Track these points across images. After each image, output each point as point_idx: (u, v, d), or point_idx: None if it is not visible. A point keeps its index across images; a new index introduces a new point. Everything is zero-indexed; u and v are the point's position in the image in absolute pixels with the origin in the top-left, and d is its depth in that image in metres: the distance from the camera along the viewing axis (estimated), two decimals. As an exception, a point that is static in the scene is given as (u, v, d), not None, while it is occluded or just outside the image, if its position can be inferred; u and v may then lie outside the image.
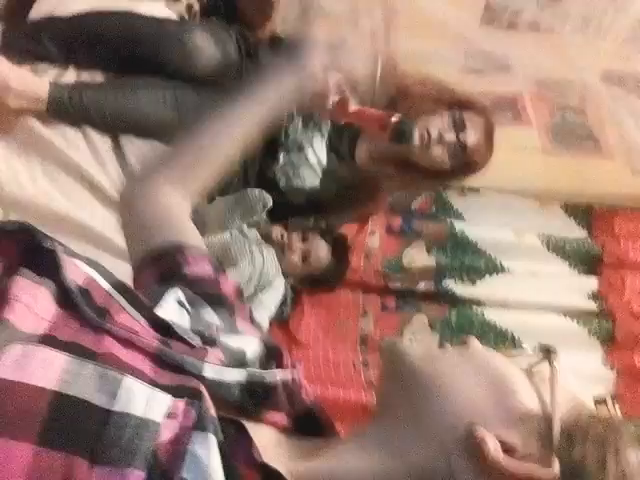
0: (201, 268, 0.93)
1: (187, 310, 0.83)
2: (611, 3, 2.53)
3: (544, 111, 2.95)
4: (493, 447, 0.68)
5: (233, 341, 0.81)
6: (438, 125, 2.23)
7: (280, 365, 0.82)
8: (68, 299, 0.69)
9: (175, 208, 1.03)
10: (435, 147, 2.23)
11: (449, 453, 0.70)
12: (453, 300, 2.58)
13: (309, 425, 0.82)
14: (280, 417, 0.79)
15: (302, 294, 2.51)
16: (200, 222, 2.03)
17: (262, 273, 2.19)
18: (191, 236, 1.01)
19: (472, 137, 2.26)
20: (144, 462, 0.59)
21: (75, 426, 0.58)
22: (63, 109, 1.89)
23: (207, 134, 1.07)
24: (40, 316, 0.65)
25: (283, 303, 2.35)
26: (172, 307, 0.81)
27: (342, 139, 2.31)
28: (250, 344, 0.83)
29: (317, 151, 2.26)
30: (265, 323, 2.22)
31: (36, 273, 0.69)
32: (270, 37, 2.47)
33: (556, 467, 0.67)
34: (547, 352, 0.79)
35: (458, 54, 2.78)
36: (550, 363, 0.77)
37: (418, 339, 2.50)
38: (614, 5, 2.53)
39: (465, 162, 2.29)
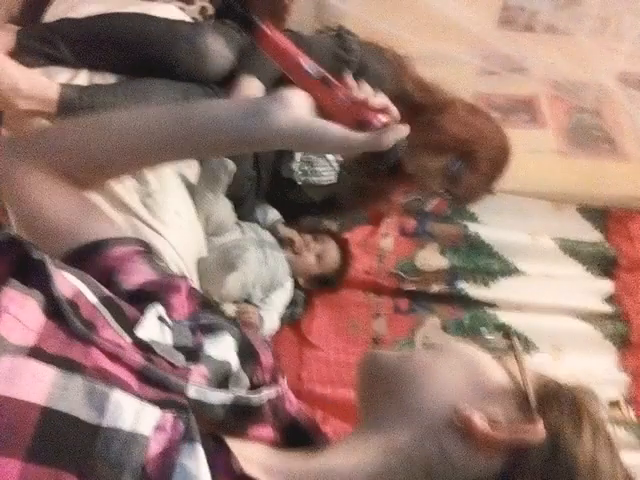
0: (139, 275, 0.87)
1: (168, 325, 0.82)
2: (628, 5, 2.52)
3: (560, 113, 2.94)
4: (480, 422, 0.71)
5: (216, 349, 0.81)
6: (431, 172, 2.09)
7: (258, 364, 0.83)
8: (56, 311, 0.68)
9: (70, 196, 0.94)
10: (421, 183, 2.15)
11: (439, 437, 0.73)
12: (466, 302, 2.57)
13: (296, 434, 0.82)
14: (266, 431, 0.79)
15: (313, 295, 2.52)
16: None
17: (275, 274, 2.20)
18: (102, 225, 0.93)
19: (462, 192, 2.14)
20: (133, 477, 0.59)
21: (64, 442, 0.58)
22: (73, 111, 1.90)
23: (98, 127, 0.95)
24: (28, 327, 0.64)
25: (292, 304, 2.36)
26: (153, 324, 0.80)
27: None
28: (229, 347, 0.82)
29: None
30: (276, 324, 2.22)
31: (25, 284, 0.69)
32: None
33: (541, 426, 0.71)
34: (507, 335, 0.84)
35: (475, 56, 2.78)
36: (511, 340, 0.82)
37: (430, 341, 2.50)
38: (631, 7, 2.51)
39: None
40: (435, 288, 2.57)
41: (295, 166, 2.22)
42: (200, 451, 0.62)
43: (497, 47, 2.75)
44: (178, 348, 0.78)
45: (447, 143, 2.06)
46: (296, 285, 2.37)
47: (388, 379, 0.80)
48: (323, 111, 0.90)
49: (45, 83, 1.88)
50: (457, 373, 0.78)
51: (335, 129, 0.87)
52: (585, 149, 2.87)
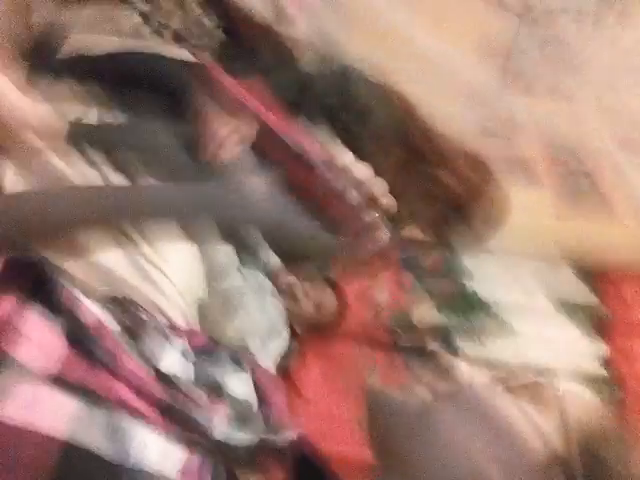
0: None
1: (190, 360, 0.80)
2: (629, 72, 2.56)
3: (557, 175, 2.96)
4: None
5: (237, 387, 0.78)
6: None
7: (269, 403, 0.81)
8: (79, 339, 0.65)
9: None
10: None
11: None
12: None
13: (310, 475, 0.80)
14: (283, 472, 0.77)
15: (305, 344, 2.48)
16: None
17: (274, 323, 2.17)
18: None
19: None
20: None
21: (85, 478, 0.56)
22: (81, 148, 1.88)
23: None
24: (51, 356, 0.62)
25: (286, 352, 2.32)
26: (176, 359, 0.78)
27: None
28: (248, 384, 0.80)
29: None
30: (273, 373, 2.18)
31: (49, 310, 0.66)
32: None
33: None
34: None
35: (475, 115, 2.80)
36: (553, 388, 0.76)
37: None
38: (632, 75, 2.56)
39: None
40: (432, 345, 2.55)
41: None
42: None
43: (498, 107, 2.79)
44: (200, 384, 0.75)
45: (441, 195, 2.08)
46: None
47: (405, 431, 0.74)
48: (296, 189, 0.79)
49: (54, 120, 1.86)
50: (485, 440, 0.71)
51: (300, 229, 0.79)
52: (581, 211, 2.89)
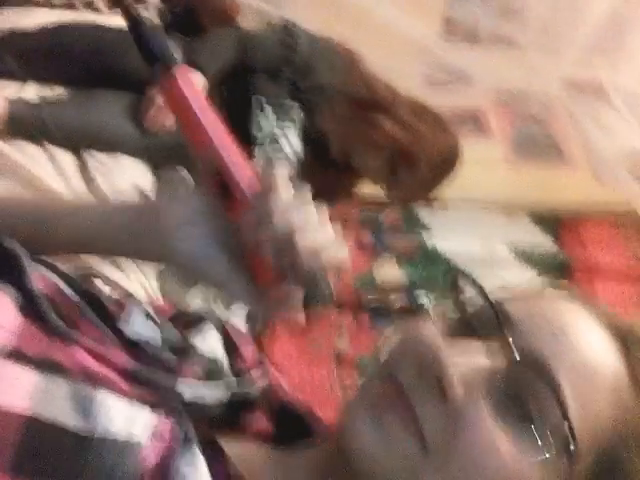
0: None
1: (155, 322, 0.76)
2: (570, 14, 2.56)
3: (506, 122, 2.97)
4: None
5: (204, 345, 0.75)
6: (371, 166, 2.17)
7: (238, 356, 0.78)
8: (33, 308, 0.61)
9: None
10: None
11: None
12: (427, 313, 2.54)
13: (291, 423, 0.77)
14: (261, 422, 0.74)
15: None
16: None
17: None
18: None
19: (402, 193, 2.23)
20: None
21: (52, 454, 0.52)
22: (22, 126, 1.82)
23: None
24: (4, 327, 0.57)
25: (251, 318, 2.29)
26: (139, 321, 0.74)
27: (313, 122, 2.23)
28: (216, 341, 0.77)
29: (291, 140, 2.20)
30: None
31: None
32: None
33: None
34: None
35: (419, 67, 2.79)
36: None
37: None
38: (573, 14, 2.55)
39: None
40: (395, 301, 2.54)
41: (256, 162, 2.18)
42: (201, 460, 0.57)
43: (441, 58, 2.77)
44: (167, 346, 0.72)
45: (384, 142, 2.09)
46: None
47: None
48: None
49: None
50: None
51: (218, 268, 0.67)
52: (532, 157, 2.91)
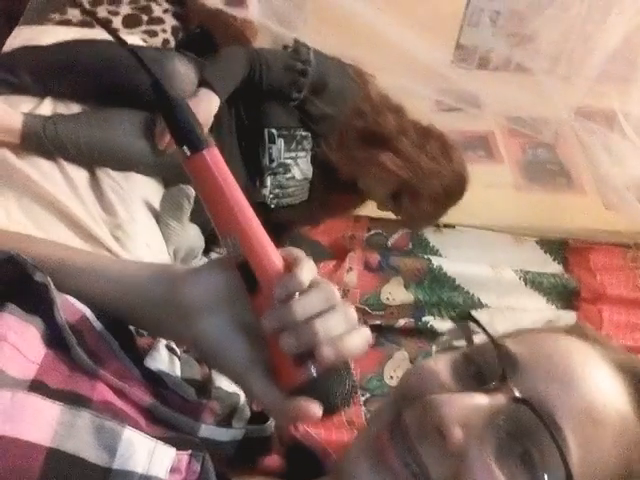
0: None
1: (178, 356, 0.77)
2: (581, 41, 2.58)
3: (516, 148, 2.98)
4: None
5: (224, 380, 0.76)
6: (378, 195, 2.25)
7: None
8: (59, 340, 0.61)
9: None
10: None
11: None
12: (433, 336, 2.54)
13: (302, 459, 0.77)
14: (274, 460, 0.75)
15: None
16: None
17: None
18: None
19: (408, 219, 2.28)
20: None
21: None
22: (37, 141, 1.84)
23: None
24: (29, 359, 0.58)
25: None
26: (163, 355, 0.75)
27: (324, 147, 2.27)
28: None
29: (302, 167, 2.24)
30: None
31: (24, 309, 0.62)
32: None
33: None
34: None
35: (429, 92, 2.80)
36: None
37: (399, 375, 2.46)
38: (584, 43, 2.57)
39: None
40: (401, 322, 2.54)
41: (266, 191, 2.20)
42: None
43: (453, 83, 2.79)
44: (187, 380, 0.73)
45: (387, 178, 2.15)
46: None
47: None
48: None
49: (9, 113, 1.82)
50: None
51: (240, 355, 0.64)
52: (541, 183, 2.91)
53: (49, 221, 1.80)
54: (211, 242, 2.23)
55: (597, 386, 0.63)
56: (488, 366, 0.65)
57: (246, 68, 2.03)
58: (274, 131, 2.15)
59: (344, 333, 0.60)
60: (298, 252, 0.65)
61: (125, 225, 1.81)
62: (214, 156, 0.64)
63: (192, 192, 1.95)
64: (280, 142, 2.16)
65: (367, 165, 2.16)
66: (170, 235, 1.96)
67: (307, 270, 0.62)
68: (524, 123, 2.80)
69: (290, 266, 0.63)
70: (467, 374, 0.65)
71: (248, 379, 0.63)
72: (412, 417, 0.62)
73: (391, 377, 2.47)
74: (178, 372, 0.74)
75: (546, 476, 0.58)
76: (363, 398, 2.40)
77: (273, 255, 0.64)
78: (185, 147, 0.64)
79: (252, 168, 2.16)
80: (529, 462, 0.59)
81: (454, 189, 2.18)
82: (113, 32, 0.67)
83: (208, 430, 0.66)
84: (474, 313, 0.70)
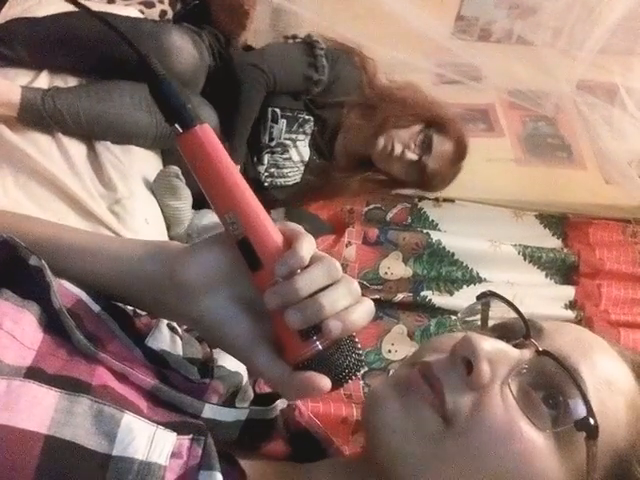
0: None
1: (179, 336, 0.76)
2: (584, 14, 2.55)
3: (516, 122, 2.96)
4: None
5: (226, 359, 0.75)
6: (405, 140, 2.26)
7: (256, 379, 0.78)
8: (56, 324, 0.60)
9: None
10: (395, 161, 2.29)
11: None
12: (432, 310, 2.54)
13: (307, 446, 0.77)
14: (278, 445, 0.74)
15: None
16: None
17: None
18: None
19: (434, 162, 2.29)
20: None
21: (72, 476, 0.52)
22: (36, 114, 1.82)
23: None
24: (25, 345, 0.57)
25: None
26: (164, 334, 0.73)
27: (324, 134, 2.30)
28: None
29: (300, 150, 2.26)
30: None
31: (19, 294, 0.61)
32: (243, 47, 2.44)
33: None
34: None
35: (430, 64, 2.78)
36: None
37: (397, 349, 2.47)
38: (586, 16, 2.54)
39: (421, 180, 2.36)
40: (399, 296, 2.54)
41: (262, 169, 2.21)
42: (219, 478, 0.57)
43: (453, 55, 2.77)
44: (189, 360, 0.72)
45: (414, 113, 2.27)
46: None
47: (399, 464, 0.64)
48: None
49: (7, 86, 1.80)
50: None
51: (243, 332, 0.63)
52: (542, 157, 2.90)
53: (46, 198, 1.79)
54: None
55: (613, 362, 0.68)
56: (514, 333, 0.70)
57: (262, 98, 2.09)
58: (278, 111, 2.17)
59: (349, 306, 0.60)
60: (296, 227, 0.65)
61: (124, 200, 1.80)
62: (206, 132, 0.63)
63: (177, 169, 1.94)
64: (282, 122, 2.17)
65: (394, 110, 2.27)
66: (175, 215, 1.95)
67: (307, 245, 0.61)
68: (525, 96, 2.77)
69: (289, 241, 0.62)
70: (494, 337, 0.69)
71: (253, 355, 0.62)
72: (440, 361, 0.66)
73: (389, 351, 2.48)
74: (180, 352, 0.74)
75: (566, 409, 0.62)
76: (361, 372, 2.40)
77: (272, 231, 0.63)
78: (176, 125, 0.63)
79: (251, 144, 2.16)
80: (552, 403, 0.63)
81: (464, 141, 2.33)
82: (94, 12, 0.65)
83: (212, 410, 0.65)
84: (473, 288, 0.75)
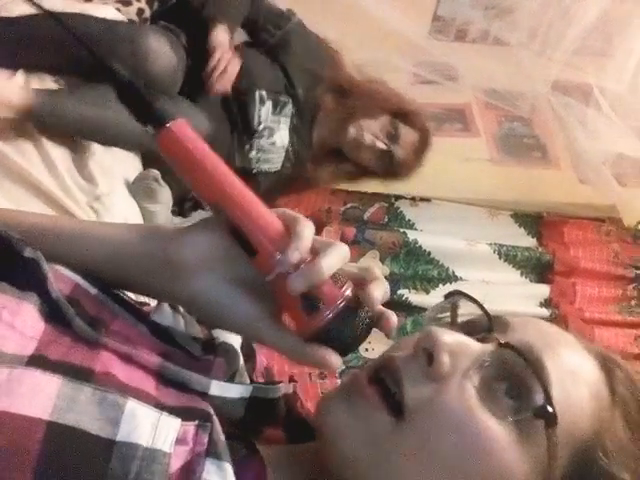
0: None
1: (181, 314, 0.76)
2: (559, 15, 2.57)
3: (492, 121, 2.98)
4: None
5: (225, 336, 0.75)
6: (374, 130, 2.34)
7: (255, 363, 0.78)
8: (56, 312, 0.60)
9: None
10: (364, 150, 2.36)
11: None
12: (408, 309, 2.55)
13: (302, 435, 0.77)
14: (278, 432, 0.74)
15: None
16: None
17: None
18: None
19: (401, 151, 2.37)
20: None
21: (75, 461, 0.51)
22: (35, 116, 1.79)
23: None
24: (26, 335, 0.57)
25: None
26: (168, 312, 0.73)
27: (303, 120, 2.33)
28: (236, 336, 0.77)
29: (282, 134, 2.28)
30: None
31: (16, 286, 0.60)
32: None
33: None
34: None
35: (407, 64, 2.79)
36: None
37: (374, 347, 2.48)
38: (561, 17, 2.56)
39: (390, 170, 2.42)
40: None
41: (253, 154, 2.23)
42: (229, 469, 0.56)
43: (430, 55, 2.78)
44: (193, 339, 0.72)
45: (382, 105, 2.36)
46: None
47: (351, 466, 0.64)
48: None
49: (6, 86, 1.77)
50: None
51: (245, 310, 0.63)
52: (517, 157, 2.92)
53: (20, 195, 1.77)
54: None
55: (578, 354, 0.68)
56: (479, 328, 0.70)
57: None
58: (264, 93, 2.19)
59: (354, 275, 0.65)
60: (293, 212, 0.65)
61: (104, 197, 1.79)
62: (181, 127, 0.63)
63: (157, 173, 1.94)
64: (269, 104, 2.20)
65: (361, 102, 2.35)
66: (152, 219, 1.94)
67: (309, 229, 0.62)
68: (501, 96, 2.80)
69: (288, 226, 0.62)
70: (461, 333, 0.68)
71: (260, 331, 0.63)
72: (402, 354, 0.65)
73: (366, 349, 2.48)
74: (183, 329, 0.74)
75: (526, 399, 0.62)
76: (339, 370, 2.41)
77: (266, 216, 0.63)
78: (149, 126, 0.63)
79: (242, 131, 2.19)
80: (514, 394, 0.62)
81: (427, 131, 2.43)
82: (56, 16, 0.64)
83: (219, 387, 0.65)
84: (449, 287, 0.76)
